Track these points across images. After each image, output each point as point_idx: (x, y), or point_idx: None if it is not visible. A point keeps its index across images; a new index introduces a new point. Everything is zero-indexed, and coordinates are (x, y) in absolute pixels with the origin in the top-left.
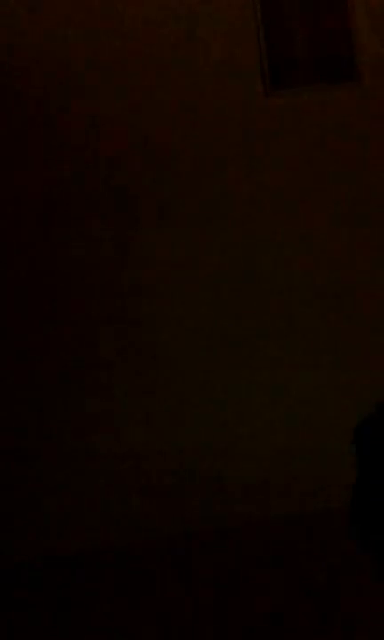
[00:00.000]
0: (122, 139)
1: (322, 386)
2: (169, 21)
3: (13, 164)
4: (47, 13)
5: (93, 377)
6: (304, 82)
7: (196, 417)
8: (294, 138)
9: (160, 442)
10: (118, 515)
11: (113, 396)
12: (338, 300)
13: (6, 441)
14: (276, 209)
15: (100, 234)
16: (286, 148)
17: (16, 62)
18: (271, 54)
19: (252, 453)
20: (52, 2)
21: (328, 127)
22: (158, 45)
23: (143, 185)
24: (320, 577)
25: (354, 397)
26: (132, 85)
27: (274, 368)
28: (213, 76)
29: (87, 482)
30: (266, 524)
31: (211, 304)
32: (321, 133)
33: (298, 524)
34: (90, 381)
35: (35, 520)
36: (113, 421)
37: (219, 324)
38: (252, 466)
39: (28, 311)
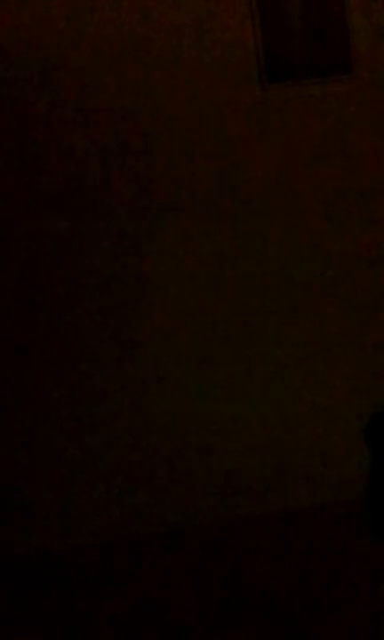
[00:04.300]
0: (118, 134)
1: (321, 382)
2: (165, 17)
3: (13, 160)
4: (46, 8)
5: (91, 374)
6: (302, 76)
7: (193, 413)
8: (291, 132)
9: (157, 437)
10: (115, 510)
11: (110, 392)
12: (337, 296)
13: (5, 437)
14: (273, 203)
15: (99, 231)
16: (283, 141)
17: (14, 59)
18: (268, 48)
19: (251, 450)
20: None
21: (324, 121)
22: (153, 40)
23: (139, 180)
24: (319, 573)
25: (353, 394)
26: (128, 81)
27: (272, 364)
28: (209, 70)
29: (85, 477)
30: (264, 519)
31: (208, 301)
32: (317, 127)
33: (296, 520)
34: (86, 378)
35: (33, 514)
36: (112, 419)
37: (216, 320)
38: (249, 462)
39: (27, 309)
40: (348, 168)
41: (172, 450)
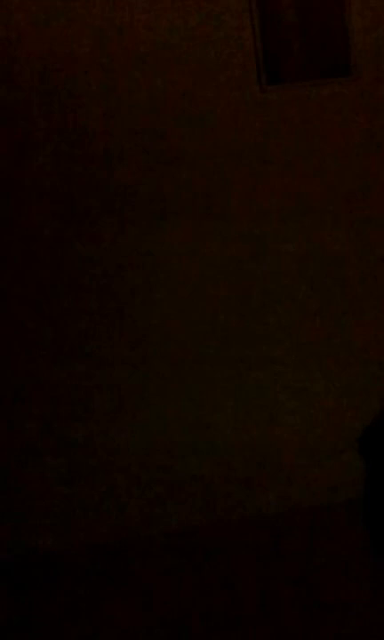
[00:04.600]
0: (118, 136)
1: (321, 382)
2: (165, 17)
3: (15, 162)
4: (46, 7)
5: (88, 375)
6: (300, 77)
7: (191, 414)
8: (290, 133)
9: (156, 437)
10: (115, 511)
11: (109, 391)
12: (339, 297)
13: (5, 436)
14: (272, 205)
15: (98, 231)
16: (282, 143)
17: (14, 56)
18: (267, 50)
19: (250, 450)
20: None
21: (324, 123)
22: (154, 41)
23: (139, 179)
24: (317, 575)
25: (353, 394)
26: (127, 83)
27: (271, 365)
28: (209, 71)
29: (84, 477)
30: (263, 520)
31: (207, 300)
32: (316, 129)
33: (295, 520)
34: (84, 379)
35: (33, 514)
36: (111, 419)
37: (215, 321)
38: (248, 462)
39: (27, 309)
40: (347, 169)
41: (171, 449)
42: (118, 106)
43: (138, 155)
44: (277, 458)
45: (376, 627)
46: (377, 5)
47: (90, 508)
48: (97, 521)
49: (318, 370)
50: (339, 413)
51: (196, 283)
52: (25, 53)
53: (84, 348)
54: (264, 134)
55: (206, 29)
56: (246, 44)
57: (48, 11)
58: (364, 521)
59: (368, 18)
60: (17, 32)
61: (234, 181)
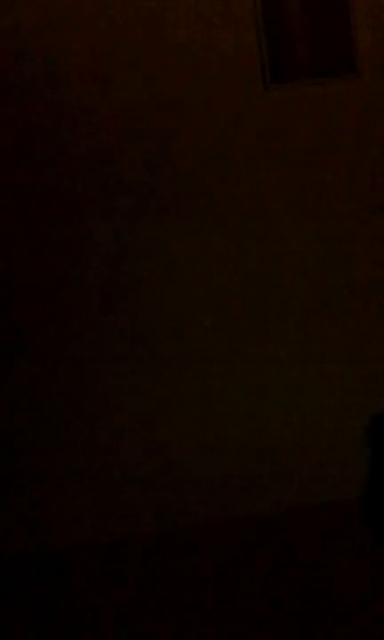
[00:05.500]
0: (122, 132)
1: (322, 382)
2: (169, 16)
3: (13, 157)
4: (47, 4)
5: (90, 372)
6: (303, 76)
7: (194, 413)
8: (294, 131)
9: (159, 438)
10: (114, 509)
11: (110, 389)
12: (338, 292)
13: (6, 436)
14: (275, 202)
15: (100, 227)
16: (286, 141)
17: (15, 54)
18: (271, 48)
19: (252, 450)
20: None
21: (327, 120)
22: (158, 40)
23: (143, 178)
24: (318, 572)
25: (354, 395)
26: (132, 80)
27: (273, 365)
28: (213, 69)
29: (86, 477)
30: (263, 519)
31: (209, 298)
32: (320, 127)
33: (296, 519)
34: (87, 375)
35: (29, 513)
36: (110, 416)
37: (216, 318)
38: (250, 461)
39: (32, 307)
40: (352, 166)
41: (173, 450)
42: (120, 103)
43: (141, 152)
44: (278, 457)
45: (376, 626)
46: (382, 3)
47: (92, 507)
48: (98, 520)
49: (320, 368)
50: (344, 413)
51: (198, 280)
52: (25, 52)
53: (86, 345)
54: (267, 132)
55: (210, 27)
56: (250, 41)
57: (50, 11)
58: (363, 516)
59: (372, 16)
60: (18, 33)
61: (237, 178)
